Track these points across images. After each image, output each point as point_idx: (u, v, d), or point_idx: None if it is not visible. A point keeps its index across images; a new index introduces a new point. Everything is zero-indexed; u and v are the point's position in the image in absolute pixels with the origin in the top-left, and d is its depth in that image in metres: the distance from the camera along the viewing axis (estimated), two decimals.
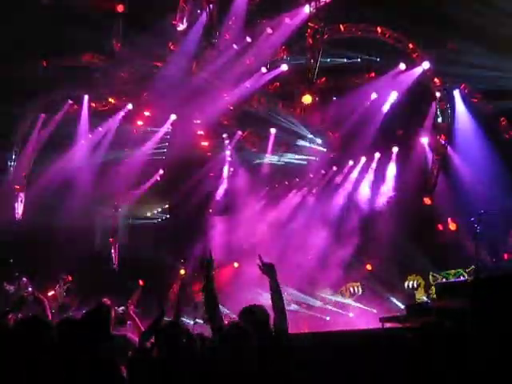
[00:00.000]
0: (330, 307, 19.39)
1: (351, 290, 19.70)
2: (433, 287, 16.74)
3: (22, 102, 19.26)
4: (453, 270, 15.92)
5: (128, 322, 7.50)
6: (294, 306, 19.04)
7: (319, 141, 20.75)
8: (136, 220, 23.22)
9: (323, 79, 19.36)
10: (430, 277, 16.76)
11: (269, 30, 18.40)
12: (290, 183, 22.67)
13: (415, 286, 17.67)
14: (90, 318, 5.42)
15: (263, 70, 19.16)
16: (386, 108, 19.34)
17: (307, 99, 18.07)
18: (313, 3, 17.29)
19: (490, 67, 16.35)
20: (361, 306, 18.87)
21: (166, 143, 21.31)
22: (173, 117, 20.49)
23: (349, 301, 19.59)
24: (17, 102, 18.73)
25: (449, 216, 19.03)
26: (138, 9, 17.89)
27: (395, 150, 20.27)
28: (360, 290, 19.65)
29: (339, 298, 19.62)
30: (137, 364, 5.09)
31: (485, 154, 17.49)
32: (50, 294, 13.93)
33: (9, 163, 20.09)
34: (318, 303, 19.56)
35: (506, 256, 16.33)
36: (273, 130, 20.85)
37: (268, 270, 5.46)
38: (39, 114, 19.84)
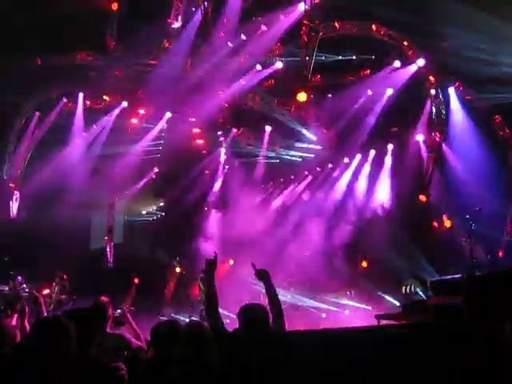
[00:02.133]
0: (325, 305, 19.38)
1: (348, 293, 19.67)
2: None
3: (17, 100, 19.22)
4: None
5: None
6: (289, 304, 19.07)
7: (314, 138, 20.74)
8: (131, 218, 23.19)
9: (318, 77, 19.36)
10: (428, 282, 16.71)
11: (263, 28, 18.39)
12: (285, 180, 22.68)
13: (413, 290, 17.61)
14: (86, 313, 5.39)
15: (258, 67, 19.15)
16: (380, 105, 19.35)
17: (302, 97, 18.04)
18: (308, 1, 17.28)
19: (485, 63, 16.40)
20: (356, 303, 18.88)
21: (161, 141, 21.27)
22: (168, 114, 20.47)
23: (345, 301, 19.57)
24: (11, 100, 18.69)
25: (444, 213, 19.06)
26: (133, 7, 17.86)
27: (390, 147, 20.31)
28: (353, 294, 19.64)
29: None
30: (133, 363, 5.08)
31: (479, 151, 17.52)
32: (45, 292, 13.89)
33: (3, 161, 20.03)
34: (314, 301, 19.56)
35: (500, 253, 16.40)
36: (268, 128, 20.84)
37: (262, 275, 5.48)
38: (34, 111, 19.78)
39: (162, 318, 15.79)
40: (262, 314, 5.09)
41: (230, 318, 5.43)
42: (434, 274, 17.03)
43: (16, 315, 6.40)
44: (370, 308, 17.67)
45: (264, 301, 5.56)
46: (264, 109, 20.33)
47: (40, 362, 3.76)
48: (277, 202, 22.39)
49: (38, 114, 19.82)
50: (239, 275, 17.23)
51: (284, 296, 19.06)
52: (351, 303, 19.00)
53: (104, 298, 6.19)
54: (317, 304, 19.41)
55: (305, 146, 21.05)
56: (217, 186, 22.70)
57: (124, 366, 4.60)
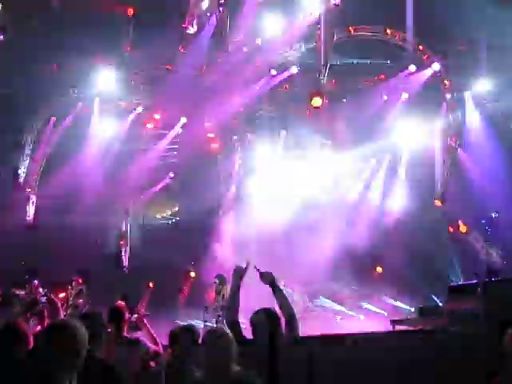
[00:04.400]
0: (341, 309, 19.33)
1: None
2: None
3: (33, 105, 19.37)
4: None
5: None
6: (304, 307, 19.02)
7: (329, 143, 20.69)
8: (146, 222, 23.24)
9: (333, 81, 19.34)
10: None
11: (278, 33, 18.42)
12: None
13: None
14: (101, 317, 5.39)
15: (273, 72, 19.17)
16: (396, 110, 19.29)
17: (317, 101, 18.01)
18: (323, 5, 17.28)
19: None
20: (371, 307, 18.81)
21: (176, 146, 21.32)
22: (183, 119, 20.53)
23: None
24: (28, 105, 18.84)
25: (460, 218, 18.95)
26: (148, 12, 17.96)
27: (405, 151, 20.21)
28: None
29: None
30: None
31: (495, 156, 17.43)
32: (61, 295, 13.94)
33: (20, 166, 20.17)
34: (329, 304, 19.51)
35: None
36: (283, 133, 20.82)
37: (268, 278, 5.35)
38: (50, 116, 19.91)
39: (176, 322, 15.82)
40: (274, 319, 4.98)
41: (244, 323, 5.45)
42: (450, 279, 16.96)
43: (37, 320, 6.44)
44: (385, 313, 17.60)
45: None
46: (279, 114, 20.33)
47: (47, 366, 3.76)
48: (292, 206, 22.32)
49: (53, 118, 19.96)
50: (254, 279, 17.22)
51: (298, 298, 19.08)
52: (367, 306, 18.94)
53: (120, 303, 6.22)
54: (333, 305, 19.38)
55: (319, 150, 21.00)
56: (232, 190, 22.69)
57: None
